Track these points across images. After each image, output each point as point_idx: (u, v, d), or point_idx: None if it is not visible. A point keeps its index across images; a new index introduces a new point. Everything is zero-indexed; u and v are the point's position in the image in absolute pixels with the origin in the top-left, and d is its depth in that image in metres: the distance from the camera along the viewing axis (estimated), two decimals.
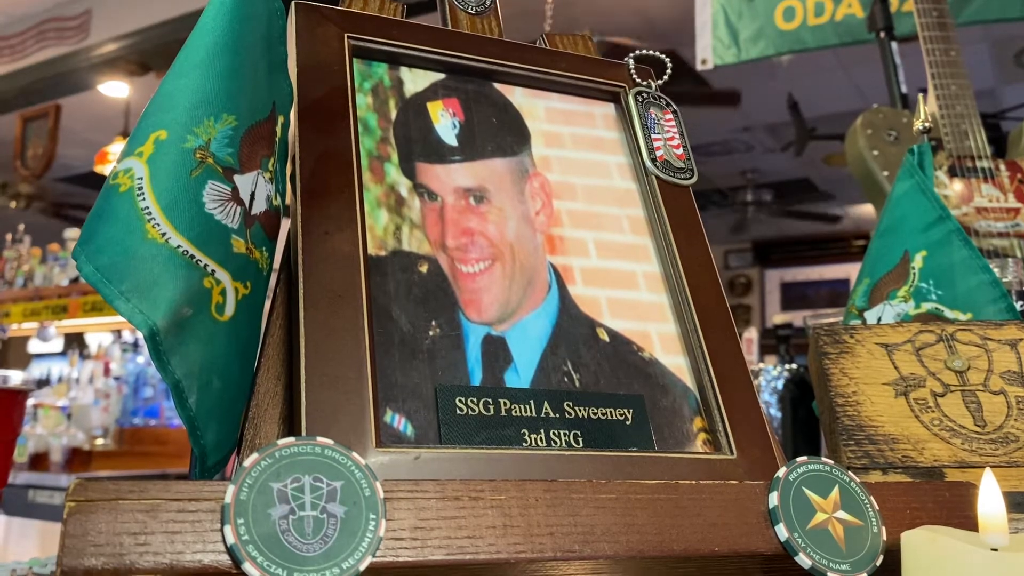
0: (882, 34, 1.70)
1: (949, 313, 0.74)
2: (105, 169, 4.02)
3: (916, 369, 0.64)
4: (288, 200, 0.50)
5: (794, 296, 6.66)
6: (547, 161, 0.58)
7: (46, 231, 5.00)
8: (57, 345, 4.81)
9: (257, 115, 0.45)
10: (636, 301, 0.54)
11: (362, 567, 0.35)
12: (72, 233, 4.37)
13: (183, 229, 0.40)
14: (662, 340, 0.53)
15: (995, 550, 0.41)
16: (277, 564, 0.34)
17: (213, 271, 0.40)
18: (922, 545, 0.41)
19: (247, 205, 0.43)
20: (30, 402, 5.00)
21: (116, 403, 4.17)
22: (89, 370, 4.36)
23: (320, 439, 0.37)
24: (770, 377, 1.96)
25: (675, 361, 0.52)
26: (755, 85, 3.58)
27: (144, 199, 0.39)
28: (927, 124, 0.79)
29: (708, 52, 2.19)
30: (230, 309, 0.41)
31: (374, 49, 0.57)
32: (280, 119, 0.48)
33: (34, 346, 5.03)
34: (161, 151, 0.41)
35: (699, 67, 2.16)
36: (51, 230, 5.07)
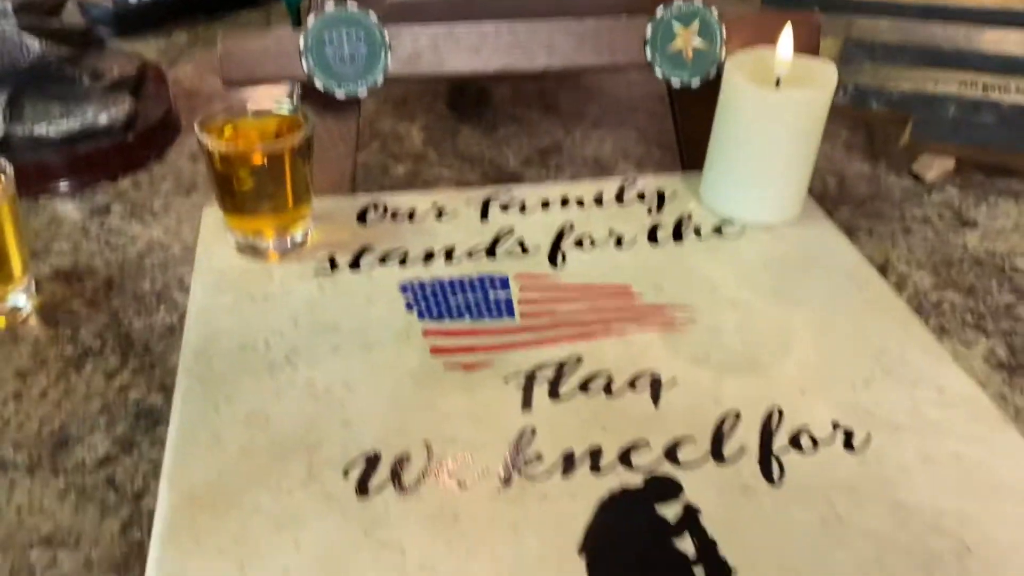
0: None
1: None
2: None
3: None
4: None
5: None
6: None
7: None
8: None
9: None
10: None
11: (379, 82, 0.64)
12: None
13: None
14: None
15: (778, 83, 0.64)
16: (330, 80, 0.63)
17: None
18: (733, 66, 0.65)
19: None
20: None
21: None
22: None
23: (350, 4, 0.62)
24: None
25: None
26: None
27: None
28: None
29: None
30: None
31: None
32: None
33: None
34: None
35: None
36: None
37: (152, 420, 0.50)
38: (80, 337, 0.56)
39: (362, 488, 0.45)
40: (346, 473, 0.46)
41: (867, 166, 0.80)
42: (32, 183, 0.70)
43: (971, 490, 0.46)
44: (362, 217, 0.67)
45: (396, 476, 0.46)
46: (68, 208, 0.70)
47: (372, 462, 0.46)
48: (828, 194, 0.76)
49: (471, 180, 0.76)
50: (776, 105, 0.63)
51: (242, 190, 0.59)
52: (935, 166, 0.77)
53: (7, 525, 0.44)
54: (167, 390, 0.52)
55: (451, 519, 0.44)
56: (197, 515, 0.43)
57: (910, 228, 0.71)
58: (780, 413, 0.50)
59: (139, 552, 0.43)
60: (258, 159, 0.57)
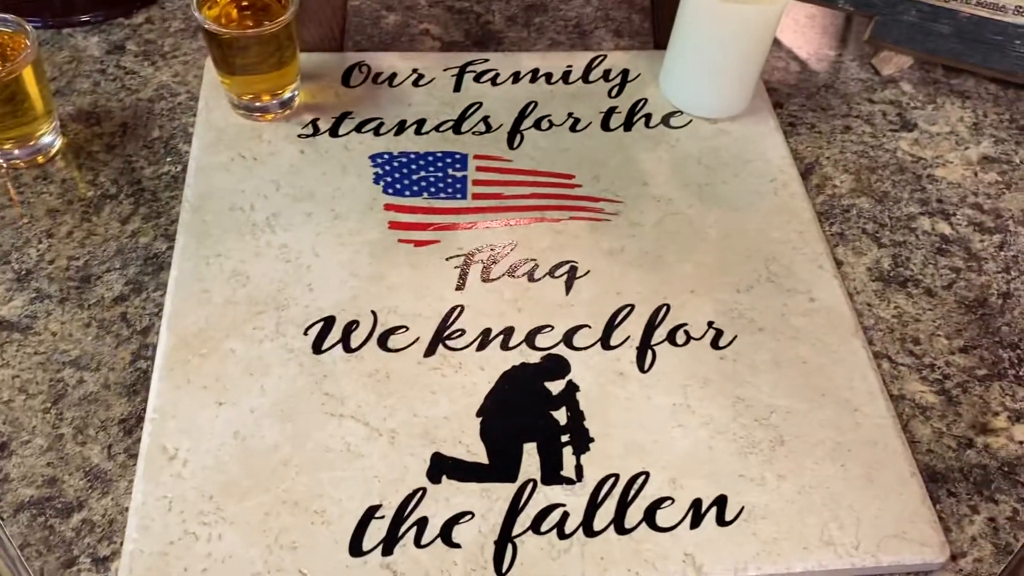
0: None
1: None
2: None
3: None
4: None
5: None
6: None
7: None
8: None
9: None
10: None
11: None
12: None
13: None
14: None
15: None
16: None
17: None
18: None
19: None
20: None
21: None
22: None
23: None
24: None
25: None
26: None
27: None
28: None
29: None
30: None
31: None
32: None
33: None
34: None
35: None
36: None
37: (157, 265, 0.62)
38: (99, 181, 0.67)
39: (317, 346, 0.57)
40: (306, 332, 0.58)
41: (833, 52, 0.84)
42: (57, 14, 0.77)
43: (803, 392, 0.58)
44: (346, 79, 0.74)
45: (346, 338, 0.58)
46: (88, 44, 0.77)
47: (328, 324, 0.58)
48: (787, 80, 0.81)
49: (455, 38, 0.82)
50: (727, 16, 0.68)
51: (232, 58, 0.67)
52: (893, 62, 0.81)
53: (46, 347, 0.57)
54: (170, 238, 0.63)
55: (384, 378, 0.56)
56: (188, 357, 0.56)
57: (850, 127, 0.78)
58: (667, 309, 0.61)
59: (144, 379, 0.56)
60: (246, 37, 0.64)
